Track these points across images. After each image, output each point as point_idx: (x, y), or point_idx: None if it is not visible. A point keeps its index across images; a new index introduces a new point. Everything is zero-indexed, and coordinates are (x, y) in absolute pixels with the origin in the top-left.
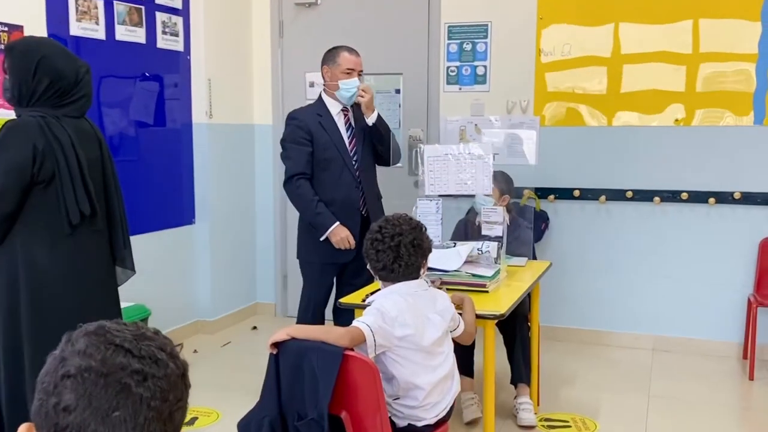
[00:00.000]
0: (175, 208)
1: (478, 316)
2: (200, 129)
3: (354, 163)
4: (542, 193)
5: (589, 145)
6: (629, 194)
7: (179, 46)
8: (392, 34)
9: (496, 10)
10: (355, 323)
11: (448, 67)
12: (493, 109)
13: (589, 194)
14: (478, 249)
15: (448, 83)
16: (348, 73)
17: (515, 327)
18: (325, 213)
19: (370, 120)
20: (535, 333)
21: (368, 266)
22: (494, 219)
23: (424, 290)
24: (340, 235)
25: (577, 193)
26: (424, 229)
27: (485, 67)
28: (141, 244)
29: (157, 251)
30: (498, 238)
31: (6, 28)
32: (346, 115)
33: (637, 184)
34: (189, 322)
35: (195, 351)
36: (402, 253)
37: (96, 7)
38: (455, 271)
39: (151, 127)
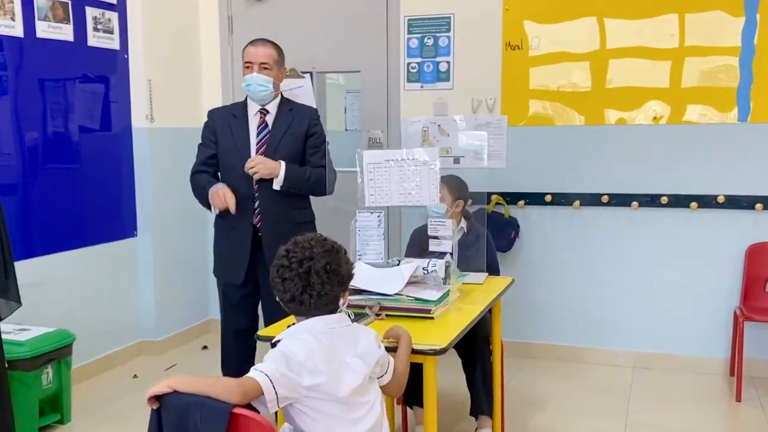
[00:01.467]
0: (114, 219)
1: (415, 351)
2: (141, 134)
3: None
4: (512, 198)
5: (561, 146)
6: (605, 199)
7: (115, 44)
8: (349, 29)
9: (459, 1)
10: (251, 372)
11: (408, 64)
12: (457, 109)
13: (562, 199)
14: (423, 268)
15: (409, 81)
16: (248, 67)
17: (475, 351)
18: (209, 182)
19: (276, 186)
20: (497, 357)
21: (277, 298)
22: (443, 232)
23: (343, 327)
24: (216, 194)
25: (549, 198)
26: (342, 252)
27: (448, 63)
28: (77, 260)
29: (96, 267)
30: (446, 254)
31: None
32: (262, 117)
33: (614, 188)
34: (131, 344)
35: (134, 376)
36: (313, 281)
37: (11, 2)
38: (396, 294)
39: (85, 133)
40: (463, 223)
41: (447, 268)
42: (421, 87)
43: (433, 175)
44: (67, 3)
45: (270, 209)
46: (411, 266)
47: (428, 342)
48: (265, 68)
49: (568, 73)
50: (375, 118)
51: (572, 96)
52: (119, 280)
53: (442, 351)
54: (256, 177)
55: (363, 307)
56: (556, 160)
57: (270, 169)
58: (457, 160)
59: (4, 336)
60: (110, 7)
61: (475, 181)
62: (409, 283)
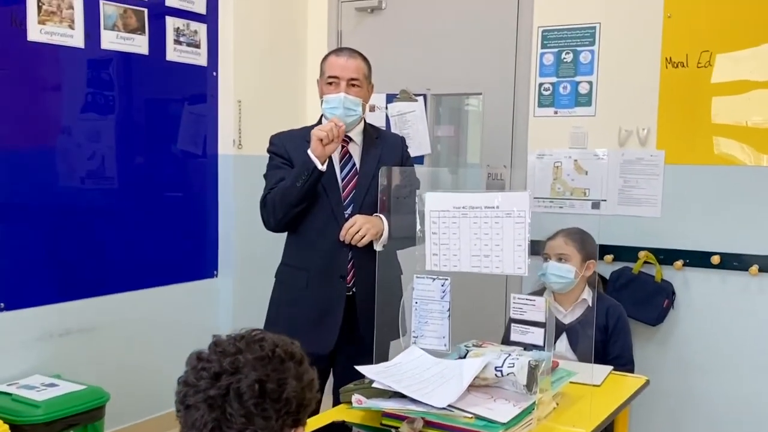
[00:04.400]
0: (193, 256)
1: None
2: (226, 162)
3: (347, 215)
4: (666, 256)
5: (736, 192)
6: None
7: (201, 60)
8: (471, 44)
9: (607, 7)
10: None
11: (541, 84)
12: (600, 140)
13: (735, 261)
14: (496, 368)
15: (541, 105)
16: (331, 83)
17: None
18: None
19: (379, 247)
20: None
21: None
22: (532, 315)
23: None
24: (316, 134)
25: (716, 259)
26: (294, 361)
27: (590, 83)
28: (146, 301)
29: (167, 310)
30: (536, 348)
31: None
32: (344, 147)
33: None
34: None
35: None
36: (231, 411)
37: (71, 7)
38: (447, 408)
39: (162, 161)
40: (587, 293)
41: (533, 370)
42: (555, 113)
43: (521, 232)
44: (143, 11)
45: (365, 262)
46: (476, 363)
47: None
48: (355, 85)
49: (750, 98)
50: (497, 149)
51: (753, 130)
52: (194, 325)
53: None
54: (363, 243)
55: (399, 419)
56: (728, 210)
57: (377, 229)
58: (596, 205)
59: (23, 393)
60: (198, 17)
61: (618, 232)
62: (474, 388)
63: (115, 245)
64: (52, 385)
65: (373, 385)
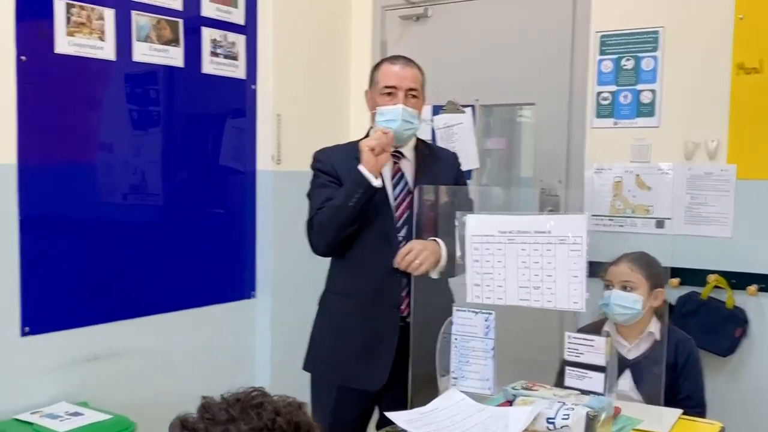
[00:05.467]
0: (230, 277)
1: None
2: (265, 178)
3: (400, 238)
4: (738, 280)
5: None
6: None
7: (239, 73)
8: (523, 51)
9: (671, 9)
10: None
11: (599, 93)
12: (664, 153)
13: None
14: (549, 419)
15: (599, 116)
16: (389, 94)
17: None
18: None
19: (435, 274)
20: None
21: None
22: (591, 357)
23: None
24: (366, 144)
25: None
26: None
27: (653, 92)
28: (181, 323)
29: (202, 332)
30: (595, 394)
31: None
32: (396, 164)
33: None
34: None
35: None
36: None
37: (101, 18)
38: None
39: (198, 177)
40: (654, 326)
41: (591, 422)
42: (615, 124)
43: (578, 261)
44: (177, 22)
45: (421, 289)
46: (525, 413)
47: None
48: (414, 96)
49: None
50: (551, 164)
51: None
52: (230, 349)
53: None
54: (419, 272)
55: None
56: None
57: (436, 256)
58: (661, 224)
59: (46, 422)
60: (236, 28)
61: (685, 253)
62: None
63: (151, 265)
64: (76, 414)
65: None
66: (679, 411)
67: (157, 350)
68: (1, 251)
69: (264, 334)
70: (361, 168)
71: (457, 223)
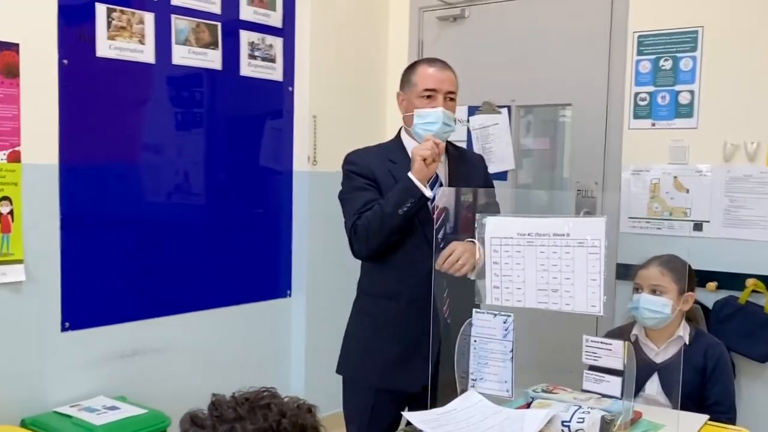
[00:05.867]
0: (267, 275)
1: None
2: (301, 178)
3: (440, 242)
4: None
5: None
6: None
7: (276, 75)
8: (560, 52)
9: (710, 9)
10: None
11: (636, 94)
12: (702, 155)
13: None
14: (564, 423)
15: (636, 116)
16: (428, 97)
17: None
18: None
19: (473, 275)
20: None
21: None
22: (608, 361)
23: None
24: (419, 153)
25: None
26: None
27: (692, 92)
28: (218, 321)
29: (239, 330)
30: (612, 399)
31: None
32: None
33: None
34: None
35: None
36: None
37: (141, 22)
38: None
39: (237, 178)
40: (683, 329)
41: (607, 426)
42: (653, 125)
43: (596, 264)
44: (216, 25)
45: (460, 291)
46: (540, 416)
47: None
48: (452, 99)
49: None
50: (587, 165)
51: None
52: (266, 347)
53: None
54: (462, 273)
55: None
56: None
57: (475, 258)
58: (699, 226)
59: (83, 415)
60: (274, 31)
61: (724, 257)
62: None
63: (190, 263)
64: (113, 408)
65: None
66: (705, 417)
67: (194, 347)
68: (43, 249)
69: (299, 332)
70: (412, 176)
71: (476, 225)
